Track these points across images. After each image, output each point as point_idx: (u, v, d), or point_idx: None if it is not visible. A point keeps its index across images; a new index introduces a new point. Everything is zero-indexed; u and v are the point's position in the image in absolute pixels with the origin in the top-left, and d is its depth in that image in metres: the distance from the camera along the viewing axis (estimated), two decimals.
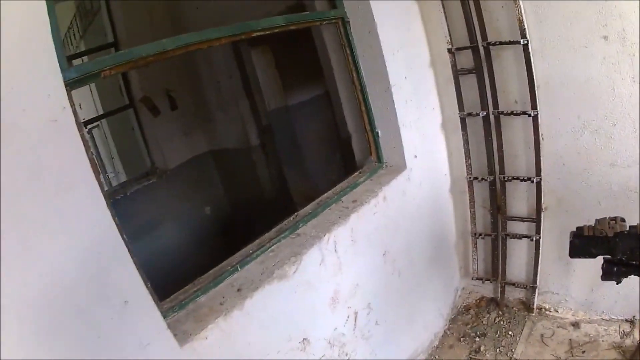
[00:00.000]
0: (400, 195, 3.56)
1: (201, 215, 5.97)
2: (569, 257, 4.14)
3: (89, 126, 6.37)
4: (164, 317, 2.17)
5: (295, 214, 3.09)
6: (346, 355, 3.15)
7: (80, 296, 1.76)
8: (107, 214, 1.86)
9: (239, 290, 2.43)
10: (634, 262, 1.57)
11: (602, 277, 1.65)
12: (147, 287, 2.03)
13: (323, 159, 5.89)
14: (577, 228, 1.64)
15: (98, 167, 1.90)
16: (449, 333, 4.51)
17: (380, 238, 3.39)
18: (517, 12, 3.63)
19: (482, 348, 4.27)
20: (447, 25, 3.91)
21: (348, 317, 3.12)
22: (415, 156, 3.72)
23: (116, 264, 1.90)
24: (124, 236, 1.94)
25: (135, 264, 1.98)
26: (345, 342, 3.13)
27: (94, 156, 1.83)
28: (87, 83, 2.02)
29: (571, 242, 1.66)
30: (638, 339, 3.92)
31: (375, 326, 3.40)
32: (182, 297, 2.37)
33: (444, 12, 3.89)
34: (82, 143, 1.77)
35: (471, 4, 3.79)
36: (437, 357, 4.28)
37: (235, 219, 5.99)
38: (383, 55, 3.35)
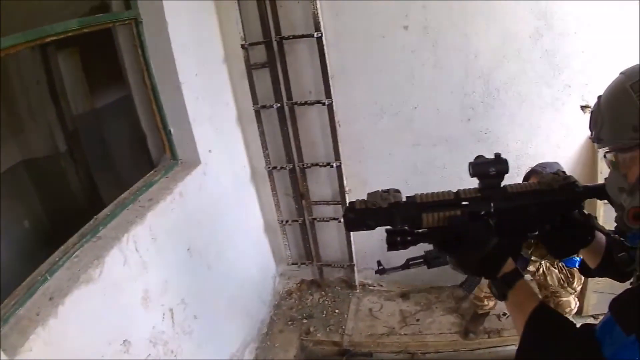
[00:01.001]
0: (196, 190, 3.67)
1: (21, 230, 5.63)
2: (380, 235, 4.58)
3: None
4: None
5: (95, 217, 3.10)
6: (172, 352, 3.23)
7: None
8: None
9: (51, 298, 2.47)
10: (419, 231, 1.65)
11: (387, 248, 1.68)
12: None
13: (133, 160, 5.84)
14: (350, 203, 1.66)
15: None
16: (275, 319, 4.71)
17: (183, 234, 3.49)
18: (313, 6, 3.91)
19: (311, 329, 4.51)
20: (242, 22, 4.07)
21: (164, 314, 3.21)
22: (210, 151, 3.84)
23: None
24: None
25: None
26: (167, 339, 3.21)
27: None
28: None
29: (345, 217, 1.66)
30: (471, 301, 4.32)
31: (195, 321, 3.50)
32: (4, 311, 2.36)
33: (239, 9, 4.04)
34: None
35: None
36: (268, 343, 4.45)
37: (54, 229, 5.70)
38: (173, 54, 3.43)
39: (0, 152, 5.27)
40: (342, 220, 4.22)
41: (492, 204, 1.61)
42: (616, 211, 1.50)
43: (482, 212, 1.62)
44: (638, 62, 1.43)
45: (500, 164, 1.59)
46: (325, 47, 4.06)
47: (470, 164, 1.62)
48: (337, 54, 4.13)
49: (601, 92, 1.47)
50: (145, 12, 3.35)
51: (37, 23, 2.70)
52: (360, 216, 1.64)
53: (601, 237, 1.79)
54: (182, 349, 3.35)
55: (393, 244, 1.67)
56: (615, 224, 1.53)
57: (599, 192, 1.66)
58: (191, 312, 3.47)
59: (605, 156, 1.49)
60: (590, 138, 1.57)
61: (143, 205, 3.22)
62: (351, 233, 4.61)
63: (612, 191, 1.51)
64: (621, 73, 1.45)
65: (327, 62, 4.10)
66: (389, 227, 1.68)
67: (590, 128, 1.52)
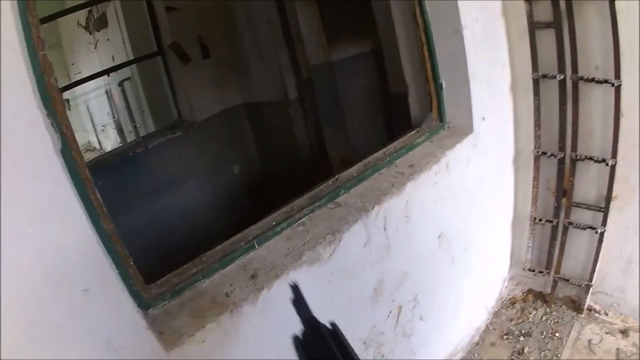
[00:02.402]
0: (464, 163, 2.88)
1: (228, 175, 5.42)
2: (630, 256, 3.66)
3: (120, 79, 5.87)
4: (152, 306, 1.57)
5: (336, 177, 2.37)
6: (382, 356, 2.52)
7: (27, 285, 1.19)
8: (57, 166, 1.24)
9: (253, 276, 1.74)
10: None
11: None
12: (117, 267, 1.40)
13: (366, 121, 5.24)
14: None
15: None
16: (491, 328, 3.94)
17: (438, 215, 2.73)
18: None
19: (525, 349, 3.71)
20: None
21: (390, 312, 2.48)
22: (483, 118, 3.02)
23: (71, 239, 1.26)
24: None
25: (102, 235, 1.34)
26: (384, 341, 2.49)
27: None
28: None
29: None
30: None
31: (419, 322, 2.77)
32: (177, 280, 1.69)
33: None
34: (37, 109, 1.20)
35: None
36: (476, 355, 3.71)
37: (267, 180, 5.44)
38: None
39: (218, 92, 5.04)
40: (598, 231, 3.27)
41: None
42: None
43: None
44: None
45: None
46: (617, 15, 3.05)
47: None
48: (630, 24, 3.08)
49: None
50: None
51: None
52: None
53: None
54: (394, 353, 2.61)
55: None
56: None
57: None
58: (419, 312, 2.73)
59: None
60: None
61: (402, 172, 2.48)
62: (602, 246, 3.64)
63: None
64: None
65: (619, 32, 3.09)
66: None
67: None
